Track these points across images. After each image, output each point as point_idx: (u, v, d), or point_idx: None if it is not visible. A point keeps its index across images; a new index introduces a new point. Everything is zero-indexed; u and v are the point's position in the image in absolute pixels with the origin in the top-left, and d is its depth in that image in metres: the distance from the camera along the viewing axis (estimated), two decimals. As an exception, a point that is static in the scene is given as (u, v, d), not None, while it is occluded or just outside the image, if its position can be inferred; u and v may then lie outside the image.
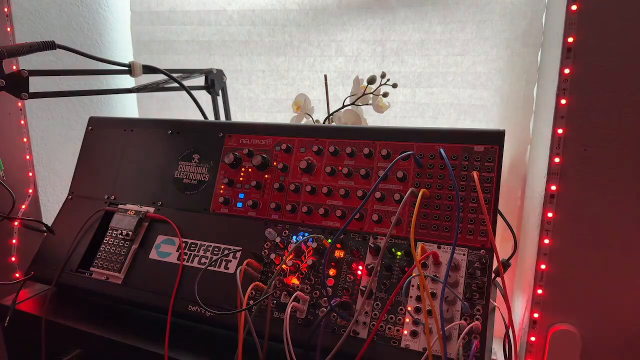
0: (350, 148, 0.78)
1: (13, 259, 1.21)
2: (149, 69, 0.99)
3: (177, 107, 1.44)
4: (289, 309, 0.65)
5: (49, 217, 1.25)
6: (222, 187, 0.86)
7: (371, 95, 1.03)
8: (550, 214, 0.77)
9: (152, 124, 0.97)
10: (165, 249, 0.84)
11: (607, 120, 0.73)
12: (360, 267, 0.72)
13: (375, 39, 1.21)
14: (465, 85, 1.15)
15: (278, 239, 0.77)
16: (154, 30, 1.43)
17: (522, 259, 0.99)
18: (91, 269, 0.86)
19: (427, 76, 1.18)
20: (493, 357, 0.84)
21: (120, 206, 0.92)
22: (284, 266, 0.74)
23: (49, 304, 0.85)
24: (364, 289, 0.69)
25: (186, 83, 1.05)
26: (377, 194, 0.75)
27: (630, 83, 0.71)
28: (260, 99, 1.36)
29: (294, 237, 0.78)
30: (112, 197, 0.94)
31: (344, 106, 1.05)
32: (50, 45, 0.83)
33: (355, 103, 1.04)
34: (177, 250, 0.83)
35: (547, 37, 0.99)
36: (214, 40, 1.37)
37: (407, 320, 0.66)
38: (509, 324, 0.65)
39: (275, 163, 0.83)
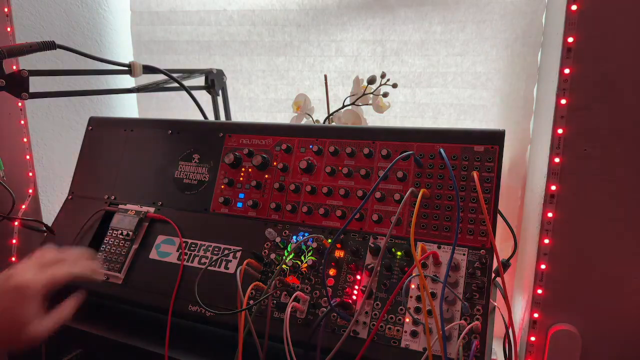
0: (350, 148, 0.78)
1: (13, 259, 1.21)
2: (149, 69, 0.99)
3: (177, 107, 1.44)
4: (289, 309, 0.65)
5: (49, 217, 1.25)
6: (222, 187, 0.86)
7: (371, 95, 1.02)
8: (550, 214, 0.77)
9: (152, 124, 0.97)
10: (165, 249, 0.84)
11: (607, 120, 0.73)
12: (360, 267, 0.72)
13: (375, 39, 1.21)
14: (465, 85, 1.15)
15: (278, 239, 0.77)
16: (154, 31, 1.43)
17: (522, 259, 0.99)
18: (91, 269, 0.86)
19: (427, 76, 1.18)
20: (493, 357, 0.84)
21: (120, 206, 0.92)
22: (284, 266, 0.74)
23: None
24: (364, 289, 0.69)
25: (186, 83, 1.05)
26: (377, 194, 0.75)
27: (630, 83, 0.71)
28: (260, 99, 1.36)
29: (294, 237, 0.78)
30: (112, 197, 0.94)
31: (344, 106, 1.05)
32: (50, 45, 0.83)
33: (355, 103, 1.04)
34: (177, 250, 0.83)
35: (547, 37, 0.99)
36: (214, 40, 1.37)
37: (407, 320, 0.66)
38: (509, 324, 0.65)
39: (275, 163, 0.83)
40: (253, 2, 1.31)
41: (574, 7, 0.72)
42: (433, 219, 0.72)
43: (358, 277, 0.71)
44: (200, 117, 1.10)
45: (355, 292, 0.70)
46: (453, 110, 1.17)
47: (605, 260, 0.76)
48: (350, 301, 0.69)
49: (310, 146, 0.82)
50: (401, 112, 1.21)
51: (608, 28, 0.71)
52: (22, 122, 1.20)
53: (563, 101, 0.74)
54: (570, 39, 0.73)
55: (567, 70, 0.74)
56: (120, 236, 0.87)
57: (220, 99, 1.18)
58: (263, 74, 1.34)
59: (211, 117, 1.16)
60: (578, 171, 0.75)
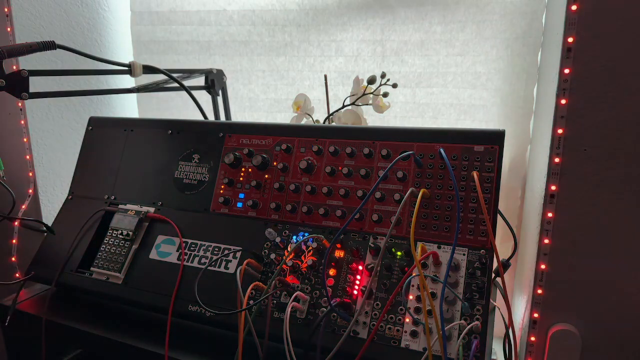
0: (350, 148, 0.78)
1: (13, 259, 1.21)
2: (149, 69, 0.99)
3: (177, 107, 1.44)
4: (289, 309, 0.65)
5: (49, 217, 1.25)
6: (222, 187, 0.86)
7: (371, 95, 1.03)
8: (550, 214, 0.77)
9: (152, 124, 0.97)
10: (165, 249, 0.84)
11: (607, 120, 0.73)
12: (360, 267, 0.72)
13: (375, 39, 1.21)
14: (465, 85, 1.15)
15: (278, 239, 0.77)
16: (154, 31, 1.43)
17: (522, 259, 0.99)
18: (91, 269, 0.86)
19: (427, 76, 1.18)
20: (493, 357, 0.84)
21: (120, 206, 0.92)
22: (284, 266, 0.74)
23: (49, 304, 0.85)
24: (364, 289, 0.69)
25: (186, 83, 1.05)
26: (377, 194, 0.75)
27: (630, 83, 0.71)
28: (260, 99, 1.36)
29: (294, 237, 0.78)
30: (112, 197, 0.94)
31: (344, 106, 1.05)
32: (50, 45, 0.83)
33: (355, 103, 1.04)
34: (177, 250, 0.83)
35: (547, 37, 0.99)
36: (214, 40, 1.37)
37: (407, 320, 0.66)
38: (509, 324, 0.65)
39: (275, 163, 0.83)
40: (253, 2, 1.31)
41: (574, 7, 0.72)
42: (433, 219, 0.72)
43: (358, 277, 0.71)
44: (200, 117, 1.10)
45: (355, 292, 0.70)
46: (453, 110, 1.17)
47: (605, 260, 0.76)
48: (350, 301, 0.69)
49: (311, 146, 0.82)
50: (401, 112, 1.21)
51: (608, 28, 0.71)
52: (22, 122, 1.20)
53: (563, 101, 0.74)
54: (570, 39, 0.73)
55: (567, 70, 0.74)
56: (120, 236, 0.87)
57: (220, 99, 1.18)
58: (263, 74, 1.34)
59: (211, 117, 1.16)
60: (578, 171, 0.75)
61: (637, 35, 0.71)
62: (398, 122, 1.22)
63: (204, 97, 1.12)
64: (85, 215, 0.92)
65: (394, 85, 1.03)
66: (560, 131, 0.75)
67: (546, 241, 0.78)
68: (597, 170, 0.74)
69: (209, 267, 0.79)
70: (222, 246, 0.81)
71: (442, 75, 1.16)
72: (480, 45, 1.12)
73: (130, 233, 0.86)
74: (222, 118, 1.19)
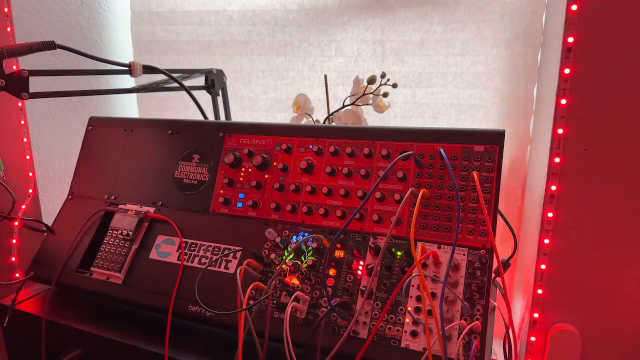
0: (350, 148, 0.78)
1: (13, 259, 1.21)
2: (149, 69, 0.99)
3: (177, 107, 1.44)
4: (289, 309, 0.65)
5: (49, 217, 1.25)
6: (222, 187, 0.86)
7: (371, 95, 1.03)
8: (550, 214, 0.77)
9: (152, 124, 0.97)
10: (165, 249, 0.84)
11: (607, 120, 0.73)
12: (360, 267, 0.72)
13: (375, 39, 1.21)
14: (465, 85, 1.15)
15: (278, 239, 0.77)
16: (154, 31, 1.43)
17: (522, 259, 0.99)
18: (91, 269, 0.86)
19: (427, 76, 1.18)
20: (493, 357, 0.84)
21: (120, 206, 0.92)
22: (284, 266, 0.74)
23: (49, 304, 0.85)
24: (364, 289, 0.69)
25: (186, 83, 1.05)
26: (377, 194, 0.75)
27: (630, 83, 0.71)
28: (260, 99, 1.36)
29: (294, 237, 0.78)
30: (112, 197, 0.94)
31: (344, 106, 1.05)
32: (50, 45, 0.83)
33: (355, 103, 1.04)
34: (177, 250, 0.83)
35: (547, 37, 0.99)
36: (214, 40, 1.37)
37: (407, 320, 0.66)
38: (509, 324, 0.65)
39: (275, 163, 0.83)
40: (253, 2, 1.31)
41: (574, 7, 0.72)
42: (433, 219, 0.72)
43: (358, 277, 0.71)
44: (200, 117, 1.10)
45: (356, 291, 0.70)
46: (453, 110, 1.17)
47: (605, 260, 0.76)
48: (350, 301, 0.69)
49: (310, 146, 0.82)
50: (401, 112, 1.21)
51: (608, 28, 0.71)
52: (22, 122, 1.20)
53: (563, 101, 0.74)
54: (570, 39, 0.73)
55: (567, 70, 0.74)
56: (120, 236, 0.87)
57: (220, 99, 1.18)
58: (263, 74, 1.34)
59: (211, 117, 1.16)
60: (578, 171, 0.75)
61: (637, 35, 0.71)
62: (398, 122, 1.22)
63: (204, 97, 1.12)
64: (85, 215, 0.92)
65: (394, 85, 1.03)
66: (560, 131, 0.75)
67: (546, 241, 0.78)
68: (597, 170, 0.74)
69: (209, 267, 0.79)
70: (222, 246, 0.81)
71: (442, 75, 1.16)
72: (480, 45, 1.12)
73: (130, 233, 0.86)
74: (222, 118, 1.19)
